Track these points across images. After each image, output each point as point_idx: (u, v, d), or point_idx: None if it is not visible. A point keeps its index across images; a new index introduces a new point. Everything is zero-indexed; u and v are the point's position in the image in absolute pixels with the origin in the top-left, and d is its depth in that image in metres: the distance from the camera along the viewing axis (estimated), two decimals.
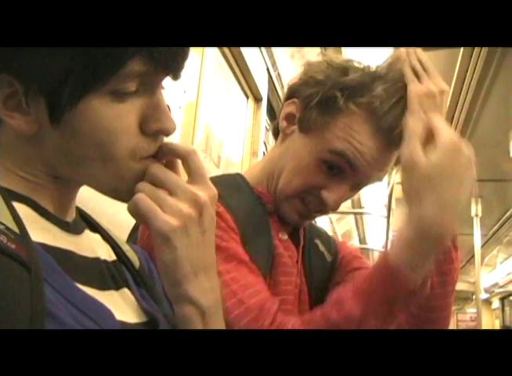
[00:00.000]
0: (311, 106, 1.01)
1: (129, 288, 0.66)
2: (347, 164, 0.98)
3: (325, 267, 1.15)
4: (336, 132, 0.98)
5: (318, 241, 1.17)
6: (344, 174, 0.99)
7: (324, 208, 1.03)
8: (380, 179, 1.06)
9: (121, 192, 0.60)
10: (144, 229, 0.93)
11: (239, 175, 1.12)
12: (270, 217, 1.05)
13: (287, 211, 1.05)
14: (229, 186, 1.04)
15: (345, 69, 1.01)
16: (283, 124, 1.07)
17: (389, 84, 0.97)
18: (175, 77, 0.61)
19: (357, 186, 1.04)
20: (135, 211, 0.58)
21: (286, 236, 1.07)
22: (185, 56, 0.60)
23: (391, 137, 0.97)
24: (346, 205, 6.10)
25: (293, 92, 1.07)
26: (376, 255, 9.22)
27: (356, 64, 1.03)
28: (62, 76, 0.54)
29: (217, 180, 1.04)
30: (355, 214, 6.72)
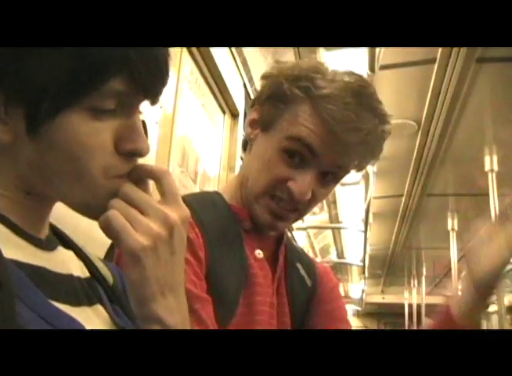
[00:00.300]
0: (265, 99, 1.03)
1: (102, 304, 0.66)
2: (306, 149, 0.98)
3: (305, 291, 1.15)
4: (290, 119, 0.99)
5: (299, 265, 1.16)
6: (307, 161, 0.99)
7: (294, 203, 1.01)
8: (347, 169, 1.04)
9: (92, 209, 0.60)
10: None
11: (216, 193, 1.11)
12: (246, 234, 1.04)
13: (259, 213, 1.03)
14: (205, 202, 1.04)
15: (292, 62, 1.04)
16: (247, 131, 1.08)
17: (332, 79, 0.98)
18: (153, 101, 0.63)
19: (326, 177, 1.02)
20: (107, 227, 0.59)
21: (261, 255, 1.06)
22: (164, 81, 0.62)
23: (340, 128, 0.96)
24: (324, 220, 6.13)
25: (254, 101, 1.09)
26: (354, 269, 9.25)
27: (305, 60, 1.06)
28: (43, 88, 0.54)
29: (193, 197, 1.04)
30: (333, 228, 6.74)
